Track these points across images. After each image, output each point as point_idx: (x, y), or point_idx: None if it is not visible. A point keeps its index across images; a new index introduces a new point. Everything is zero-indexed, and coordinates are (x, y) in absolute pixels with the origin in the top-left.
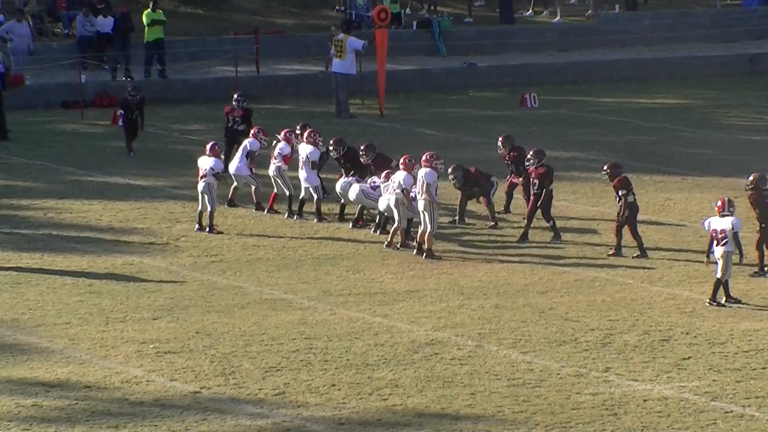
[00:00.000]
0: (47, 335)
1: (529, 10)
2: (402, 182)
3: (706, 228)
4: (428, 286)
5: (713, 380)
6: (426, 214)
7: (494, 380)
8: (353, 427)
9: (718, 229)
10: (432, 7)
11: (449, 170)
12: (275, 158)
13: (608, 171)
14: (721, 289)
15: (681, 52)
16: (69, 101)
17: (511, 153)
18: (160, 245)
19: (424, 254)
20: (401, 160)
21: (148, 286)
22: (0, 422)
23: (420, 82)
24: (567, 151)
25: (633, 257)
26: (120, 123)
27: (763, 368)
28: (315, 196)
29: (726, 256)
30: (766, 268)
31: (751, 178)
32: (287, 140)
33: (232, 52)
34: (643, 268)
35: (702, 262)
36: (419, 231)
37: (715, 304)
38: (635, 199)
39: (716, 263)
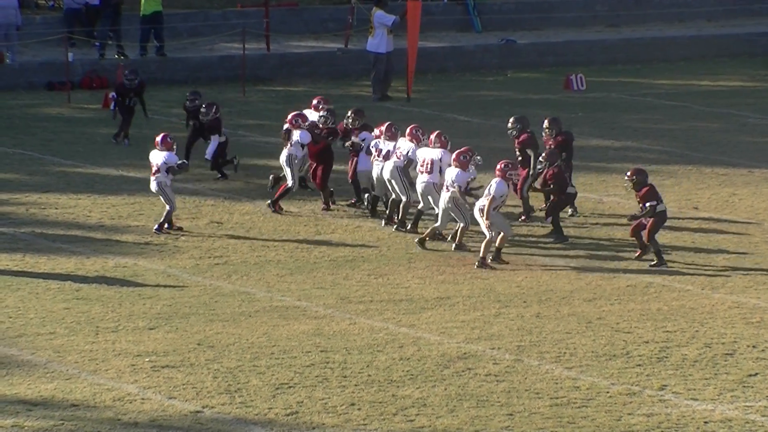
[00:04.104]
0: (29, 347)
1: None
2: (454, 180)
3: None
4: (460, 293)
5: None
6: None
7: (535, 399)
8: None
9: None
10: None
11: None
12: (292, 145)
13: (633, 178)
14: None
15: (748, 27)
16: (54, 82)
17: (557, 138)
18: (157, 245)
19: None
20: (453, 156)
21: (143, 291)
22: None
23: (452, 61)
24: (618, 140)
25: (650, 265)
26: (111, 107)
27: None
28: (403, 200)
29: None
30: None
31: None
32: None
33: (239, 26)
34: (704, 273)
35: None
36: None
37: None
38: (665, 209)
39: None
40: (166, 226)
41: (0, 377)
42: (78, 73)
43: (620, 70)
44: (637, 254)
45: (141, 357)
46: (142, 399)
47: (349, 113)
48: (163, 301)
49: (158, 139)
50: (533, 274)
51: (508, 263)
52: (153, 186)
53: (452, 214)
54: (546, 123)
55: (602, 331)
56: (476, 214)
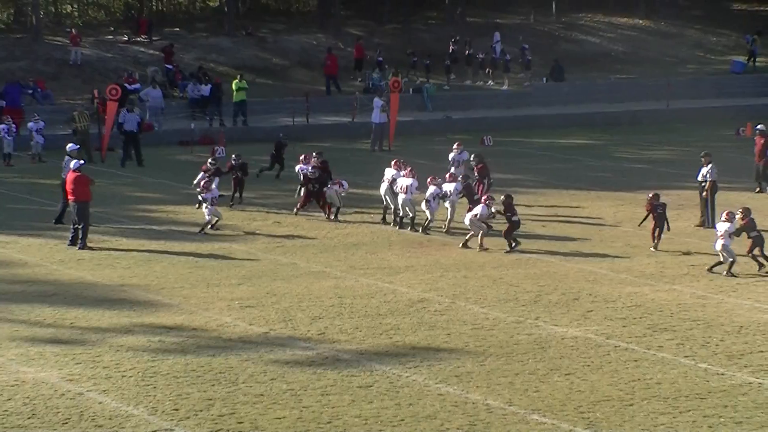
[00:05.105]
0: (168, 295)
1: (488, 81)
2: (479, 213)
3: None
4: (419, 263)
5: (607, 326)
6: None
7: (463, 325)
8: (370, 356)
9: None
10: (423, 78)
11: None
12: (338, 185)
13: (503, 199)
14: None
15: (587, 109)
16: (183, 141)
17: (479, 166)
18: (243, 236)
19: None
20: (484, 199)
21: (234, 262)
22: (136, 352)
23: (415, 128)
24: (512, 174)
25: (505, 252)
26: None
27: (641, 317)
28: (411, 214)
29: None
30: (652, 249)
31: (650, 195)
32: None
33: (291, 108)
34: (561, 252)
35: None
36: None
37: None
38: (518, 220)
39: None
40: (208, 228)
41: (151, 312)
42: (197, 135)
43: (513, 133)
44: (507, 250)
45: (233, 301)
46: (234, 325)
47: (314, 154)
48: (246, 268)
49: (212, 186)
50: (463, 252)
51: (488, 249)
52: (203, 206)
53: (476, 225)
54: (472, 156)
55: (502, 286)
56: (467, 222)
